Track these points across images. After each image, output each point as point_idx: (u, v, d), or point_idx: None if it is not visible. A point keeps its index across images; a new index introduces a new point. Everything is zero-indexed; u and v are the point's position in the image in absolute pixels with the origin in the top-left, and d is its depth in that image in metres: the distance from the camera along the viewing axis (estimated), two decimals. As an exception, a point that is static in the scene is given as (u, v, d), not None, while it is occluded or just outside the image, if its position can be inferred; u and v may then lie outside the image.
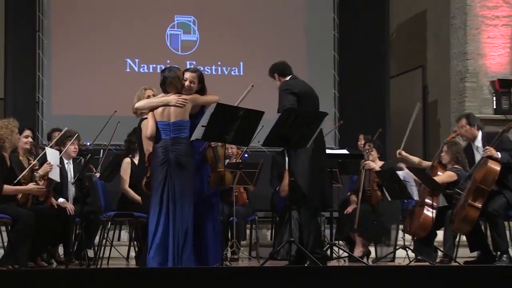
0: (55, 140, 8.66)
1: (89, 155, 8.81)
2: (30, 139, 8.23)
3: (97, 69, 11.94)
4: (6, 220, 7.77)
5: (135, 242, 9.20)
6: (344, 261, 9.25)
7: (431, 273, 7.15)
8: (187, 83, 7.50)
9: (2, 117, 9.44)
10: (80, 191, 8.84)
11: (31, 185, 7.84)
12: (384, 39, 12.91)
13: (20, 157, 8.13)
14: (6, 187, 7.71)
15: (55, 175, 8.23)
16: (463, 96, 12.09)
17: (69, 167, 8.96)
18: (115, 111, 9.33)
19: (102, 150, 9.44)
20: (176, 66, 7.83)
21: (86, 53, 12.01)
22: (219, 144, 7.61)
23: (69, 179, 8.94)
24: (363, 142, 10.32)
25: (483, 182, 8.13)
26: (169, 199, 7.26)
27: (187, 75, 7.57)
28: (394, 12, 13.44)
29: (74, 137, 8.82)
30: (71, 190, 8.95)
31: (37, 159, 8.05)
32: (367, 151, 9.53)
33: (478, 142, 8.56)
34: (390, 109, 12.79)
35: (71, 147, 8.75)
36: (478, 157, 8.50)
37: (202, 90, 7.65)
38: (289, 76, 8.39)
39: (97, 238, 9.09)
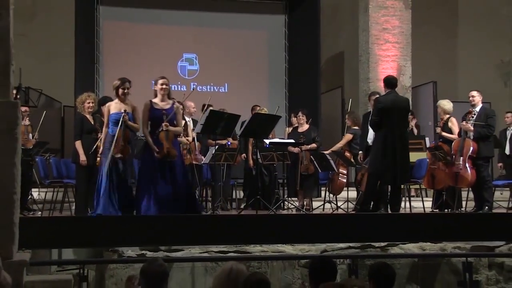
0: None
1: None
2: None
3: (132, 87, 11.88)
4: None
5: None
6: (292, 210, 9.25)
7: (346, 218, 7.27)
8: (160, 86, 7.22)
9: (71, 123, 9.11)
10: None
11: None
12: (316, 69, 12.87)
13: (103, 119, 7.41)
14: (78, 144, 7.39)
15: None
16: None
17: None
18: None
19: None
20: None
21: (125, 76, 11.94)
22: (171, 129, 6.91)
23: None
24: (293, 118, 9.66)
25: None
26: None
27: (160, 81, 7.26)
28: (323, 52, 13.51)
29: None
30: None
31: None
32: (300, 116, 9.13)
33: None
34: (321, 115, 12.85)
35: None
36: None
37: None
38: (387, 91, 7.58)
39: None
